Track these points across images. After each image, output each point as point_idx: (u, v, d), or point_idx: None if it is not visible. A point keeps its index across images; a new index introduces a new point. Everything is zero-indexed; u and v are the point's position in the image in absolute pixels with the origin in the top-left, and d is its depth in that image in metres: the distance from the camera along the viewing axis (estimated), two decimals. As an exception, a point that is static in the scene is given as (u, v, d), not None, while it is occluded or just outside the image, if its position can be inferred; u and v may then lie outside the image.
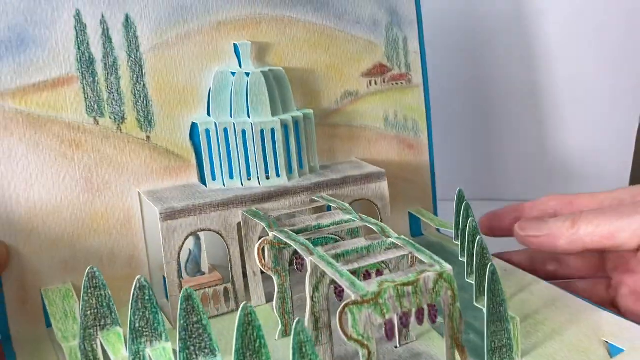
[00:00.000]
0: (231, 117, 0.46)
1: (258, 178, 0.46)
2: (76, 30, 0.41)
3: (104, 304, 0.35)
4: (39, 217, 0.41)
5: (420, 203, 0.57)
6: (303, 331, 0.30)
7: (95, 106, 0.42)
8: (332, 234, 0.41)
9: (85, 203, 0.42)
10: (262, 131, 0.46)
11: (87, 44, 0.42)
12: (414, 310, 0.34)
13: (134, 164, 0.44)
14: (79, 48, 0.41)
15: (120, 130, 0.43)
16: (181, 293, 0.32)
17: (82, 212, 0.42)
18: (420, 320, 0.35)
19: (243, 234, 0.43)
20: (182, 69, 0.45)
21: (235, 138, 0.45)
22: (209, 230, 0.42)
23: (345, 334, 0.31)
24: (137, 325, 0.34)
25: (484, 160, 0.79)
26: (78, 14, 0.41)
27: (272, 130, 0.46)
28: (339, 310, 0.31)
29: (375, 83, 0.54)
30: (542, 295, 0.45)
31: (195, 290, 0.34)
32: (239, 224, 0.43)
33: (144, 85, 0.44)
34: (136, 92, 0.44)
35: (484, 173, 0.79)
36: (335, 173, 0.49)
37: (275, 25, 0.48)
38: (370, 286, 0.32)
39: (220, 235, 0.43)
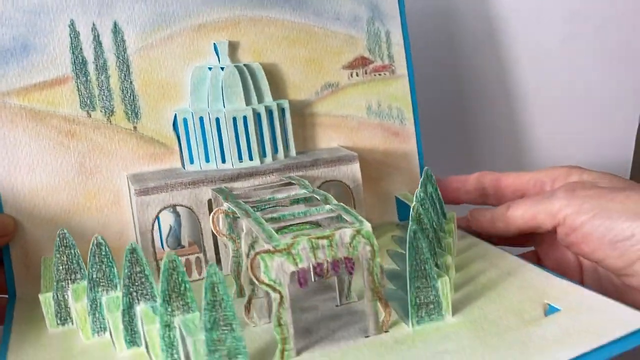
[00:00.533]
0: (208, 107, 0.51)
1: (232, 162, 0.51)
2: (70, 37, 0.49)
3: (74, 261, 0.42)
4: (40, 197, 0.48)
5: (408, 188, 0.59)
6: (215, 273, 0.34)
7: (88, 101, 0.49)
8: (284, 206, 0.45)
9: (80, 184, 0.49)
10: (234, 118, 0.51)
11: (80, 48, 0.49)
12: (329, 261, 0.37)
13: (122, 151, 0.50)
14: (73, 52, 0.49)
15: (110, 121, 0.50)
16: (127, 247, 0.38)
17: (76, 193, 0.49)
18: (335, 272, 0.39)
19: (213, 209, 0.48)
20: (165, 67, 0.51)
21: (210, 125, 0.51)
22: (181, 205, 0.48)
23: (257, 279, 0.35)
24: (94, 276, 0.40)
25: (474, 154, 0.80)
26: (72, 23, 0.49)
27: (245, 118, 0.51)
28: (250, 257, 0.35)
29: (357, 75, 0.58)
30: (500, 264, 0.46)
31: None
32: (209, 200, 0.48)
33: (131, 82, 0.50)
34: (124, 88, 0.50)
35: (475, 165, 0.79)
36: (309, 157, 0.53)
37: (254, 25, 0.54)
38: (285, 238, 0.36)
39: (192, 210, 0.48)
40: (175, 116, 0.51)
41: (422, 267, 0.39)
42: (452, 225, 0.49)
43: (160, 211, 0.47)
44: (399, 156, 0.59)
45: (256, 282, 0.36)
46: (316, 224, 0.42)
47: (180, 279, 0.36)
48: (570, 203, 0.43)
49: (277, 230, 0.40)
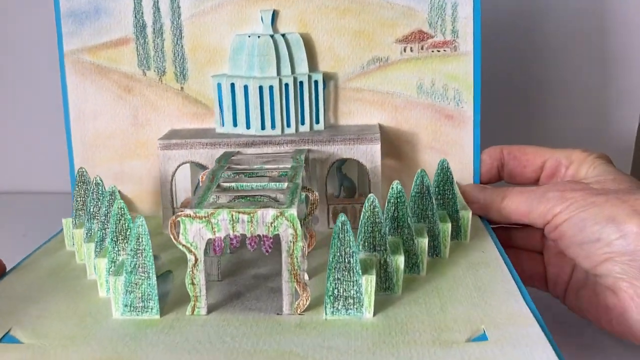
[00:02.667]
0: (244, 74, 0.54)
1: (255, 129, 0.53)
2: (134, 2, 0.55)
3: (89, 194, 0.49)
4: (101, 140, 0.56)
5: (457, 177, 0.55)
6: (142, 225, 0.39)
7: (144, 61, 0.56)
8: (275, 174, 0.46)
9: (132, 134, 0.56)
10: (260, 87, 0.53)
11: (142, 13, 0.55)
12: (247, 235, 0.38)
13: (170, 108, 0.56)
14: (135, 16, 0.55)
15: (161, 81, 0.56)
16: (108, 188, 0.44)
17: (129, 141, 0.56)
18: (252, 247, 0.40)
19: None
20: (213, 33, 0.55)
21: (239, 92, 0.53)
22: (197, 163, 0.52)
23: (175, 239, 0.38)
24: (91, 210, 0.48)
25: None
26: (136, -10, 0.55)
27: (271, 88, 0.53)
28: (172, 218, 0.39)
29: (411, 50, 0.54)
30: (479, 275, 0.43)
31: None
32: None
33: (182, 46, 0.55)
34: (175, 51, 0.55)
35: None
36: (331, 132, 0.53)
37: (303, -6, 0.54)
38: (209, 207, 0.38)
39: (207, 168, 0.52)
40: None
41: (347, 260, 0.38)
42: (446, 226, 0.46)
43: (179, 165, 0.52)
44: (450, 141, 0.55)
45: (174, 241, 0.39)
46: (274, 199, 0.43)
47: (127, 225, 0.41)
48: (558, 204, 0.45)
49: (233, 199, 0.42)
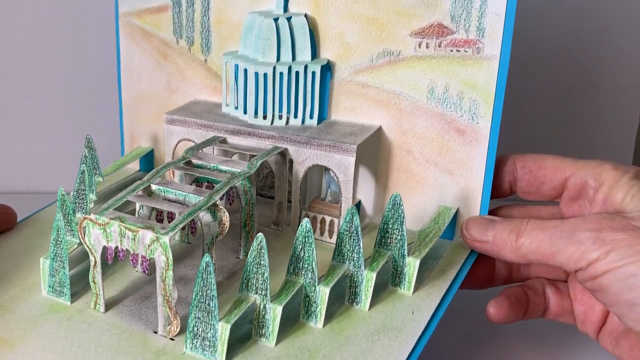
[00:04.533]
0: (251, 55, 0.52)
1: (249, 116, 0.51)
2: (172, -30, 0.55)
3: (94, 159, 0.54)
4: (142, 98, 0.60)
5: (461, 203, 0.47)
6: (60, 220, 0.42)
7: (178, 30, 0.56)
8: (218, 179, 0.45)
9: (165, 98, 0.59)
10: (256, 74, 0.50)
11: (178, -19, 0.55)
12: (130, 252, 0.39)
13: (195, 79, 0.57)
14: (173, -16, 0.56)
15: (190, 51, 0.56)
16: (80, 169, 0.48)
17: (163, 103, 0.59)
18: (132, 264, 0.41)
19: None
20: (236, 9, 0.53)
21: (240, 75, 0.51)
22: (192, 141, 0.53)
23: (82, 238, 0.41)
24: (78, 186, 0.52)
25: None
26: (175, -42, 0.55)
27: (265, 75, 0.50)
28: (81, 218, 0.41)
29: (427, 46, 0.46)
30: (369, 354, 0.37)
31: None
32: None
33: (208, 18, 0.55)
34: (203, 23, 0.55)
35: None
36: (321, 132, 0.48)
37: (320, -28, 0.49)
38: (109, 215, 0.40)
39: (200, 149, 0.53)
40: (229, 57, 0.53)
41: (207, 302, 0.37)
42: (370, 275, 0.40)
43: (179, 142, 0.54)
44: (457, 160, 0.46)
45: (81, 240, 0.41)
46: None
47: (70, 212, 0.45)
48: (594, 248, 0.36)
49: (153, 209, 0.43)
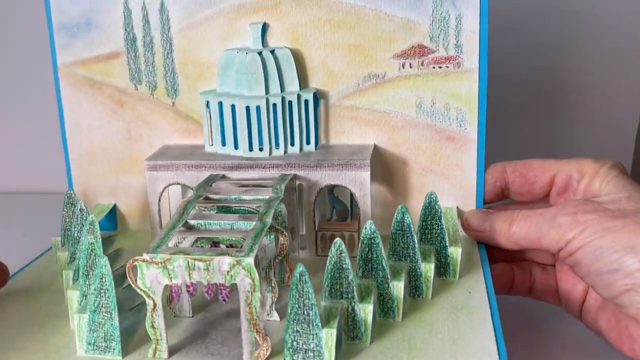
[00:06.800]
0: (232, 91, 0.52)
1: (243, 150, 0.51)
2: (124, 15, 0.53)
3: (77, 216, 0.49)
4: (96, 153, 0.56)
5: (458, 202, 0.52)
6: (105, 265, 0.38)
7: (136, 75, 0.54)
8: (251, 208, 0.45)
9: (126, 148, 0.56)
10: (247, 108, 0.50)
11: (132, 26, 0.53)
12: (204, 284, 0.37)
13: (161, 124, 0.55)
14: (125, 29, 0.53)
15: (153, 95, 0.54)
16: (87, 219, 0.44)
17: (123, 155, 0.56)
18: (209, 295, 0.39)
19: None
20: (203, 47, 0.53)
21: (226, 111, 0.51)
22: (184, 185, 0.51)
23: (133, 283, 0.38)
24: (75, 234, 0.48)
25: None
26: (126, 2, 0.53)
27: (258, 108, 0.50)
28: (129, 262, 0.38)
29: (410, 66, 0.51)
30: (458, 328, 0.40)
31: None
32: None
33: (172, 60, 0.53)
34: (166, 65, 0.54)
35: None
36: (323, 155, 0.50)
37: (296, 6, 0.51)
38: (166, 252, 0.37)
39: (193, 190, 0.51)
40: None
41: (307, 312, 0.36)
42: (429, 266, 0.43)
43: (166, 187, 0.51)
44: (451, 165, 0.51)
45: (132, 284, 0.38)
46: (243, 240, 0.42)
47: (97, 260, 0.41)
48: (570, 229, 0.42)
49: (197, 241, 0.41)
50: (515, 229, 0.45)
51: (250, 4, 0.51)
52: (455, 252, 0.45)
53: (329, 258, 0.39)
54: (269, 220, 0.41)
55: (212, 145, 0.53)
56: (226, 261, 0.36)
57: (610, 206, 0.42)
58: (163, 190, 0.51)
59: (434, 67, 0.50)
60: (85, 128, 0.56)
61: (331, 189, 0.51)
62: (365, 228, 0.41)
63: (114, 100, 0.55)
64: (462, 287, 0.44)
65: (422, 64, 0.50)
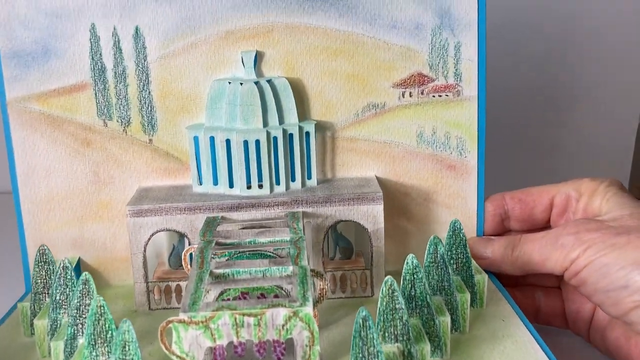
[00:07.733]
0: (223, 125, 0.47)
1: (239, 188, 0.47)
2: (91, 42, 0.47)
3: (52, 276, 0.42)
4: (56, 201, 0.48)
5: (461, 232, 0.50)
6: (129, 331, 0.32)
7: (105, 110, 0.48)
8: (269, 252, 0.40)
9: (93, 193, 0.49)
10: (245, 142, 0.46)
11: (100, 54, 0.47)
12: (254, 342, 0.32)
13: (136, 163, 0.49)
14: (92, 58, 0.47)
15: (126, 132, 0.48)
16: (80, 277, 0.37)
17: (90, 201, 0.49)
18: (260, 354, 0.34)
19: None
20: (186, 78, 0.48)
21: (220, 147, 0.46)
22: (175, 230, 0.45)
23: (167, 348, 0.32)
24: (57, 298, 0.40)
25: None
26: (93, 27, 0.47)
27: (257, 142, 0.46)
28: (161, 324, 0.32)
29: (410, 95, 0.49)
30: (512, 355, 0.39)
31: (159, 282, 0.44)
32: (204, 230, 0.45)
33: (149, 92, 0.48)
34: (142, 98, 0.48)
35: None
36: (329, 190, 0.47)
37: (290, 34, 0.47)
38: (207, 309, 0.32)
39: (186, 236, 0.45)
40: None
41: None
42: (465, 297, 0.41)
43: (153, 234, 0.45)
44: (452, 194, 0.50)
45: (165, 351, 0.32)
46: (279, 287, 0.37)
47: (107, 325, 0.35)
48: (574, 248, 0.42)
49: (222, 293, 0.36)
50: (518, 253, 0.45)
51: (240, 31, 0.47)
52: (482, 281, 0.44)
53: (380, 299, 0.36)
54: (305, 263, 0.37)
55: (200, 184, 0.48)
56: (281, 313, 0.32)
57: (612, 224, 0.43)
58: (149, 239, 0.45)
59: (434, 96, 0.49)
60: (42, 172, 0.48)
61: (334, 225, 0.48)
62: (407, 263, 0.39)
63: (78, 139, 0.48)
64: (492, 316, 0.43)
65: (422, 93, 0.49)
